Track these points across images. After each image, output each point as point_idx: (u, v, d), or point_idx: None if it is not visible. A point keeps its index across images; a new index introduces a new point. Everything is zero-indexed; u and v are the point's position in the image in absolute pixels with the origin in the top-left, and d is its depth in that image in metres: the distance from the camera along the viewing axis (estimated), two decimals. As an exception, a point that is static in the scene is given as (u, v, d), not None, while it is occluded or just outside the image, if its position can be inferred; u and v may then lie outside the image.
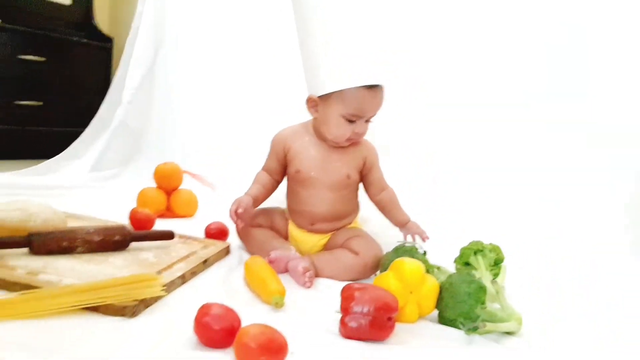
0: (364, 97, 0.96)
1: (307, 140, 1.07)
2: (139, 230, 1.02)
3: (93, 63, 2.41)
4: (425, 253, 0.98)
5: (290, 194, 1.11)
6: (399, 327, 0.78)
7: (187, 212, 1.40)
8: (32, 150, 2.15)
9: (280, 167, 1.10)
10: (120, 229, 0.97)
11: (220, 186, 1.52)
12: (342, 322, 0.74)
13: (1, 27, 2.08)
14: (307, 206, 1.07)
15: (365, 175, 1.08)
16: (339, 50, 0.95)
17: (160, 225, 1.26)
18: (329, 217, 1.07)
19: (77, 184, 1.65)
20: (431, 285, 0.83)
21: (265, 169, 1.12)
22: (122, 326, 0.71)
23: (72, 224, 1.09)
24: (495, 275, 1.02)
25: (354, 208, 1.12)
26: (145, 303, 0.77)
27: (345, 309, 0.75)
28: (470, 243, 1.07)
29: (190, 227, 1.22)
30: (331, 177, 1.05)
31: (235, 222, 1.02)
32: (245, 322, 0.71)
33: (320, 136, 1.06)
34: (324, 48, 0.96)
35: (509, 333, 0.81)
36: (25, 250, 0.89)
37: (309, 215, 1.07)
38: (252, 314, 0.78)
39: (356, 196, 1.12)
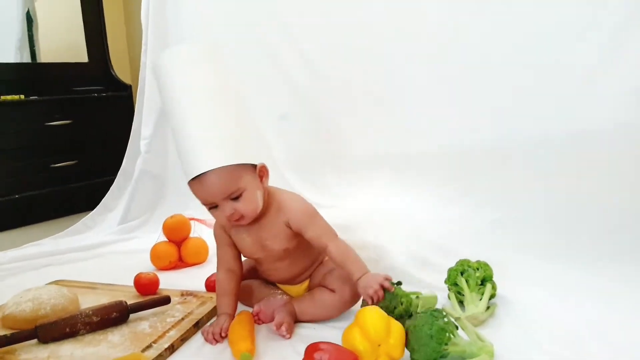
0: (193, 188, 0.95)
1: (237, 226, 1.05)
2: (137, 302, 1.09)
3: (116, 113, 2.54)
4: (399, 283, 0.98)
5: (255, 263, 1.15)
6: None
7: (198, 259, 1.48)
8: (75, 205, 2.32)
9: (235, 250, 1.09)
10: (117, 306, 1.05)
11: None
12: (302, 384, 0.78)
13: (26, 101, 2.24)
14: (268, 276, 1.13)
15: (302, 234, 1.03)
16: (178, 145, 0.96)
17: (172, 277, 1.36)
18: (293, 278, 1.10)
19: (107, 241, 1.78)
20: (397, 334, 0.84)
21: (222, 268, 1.08)
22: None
23: (85, 296, 1.20)
24: (482, 293, 1.02)
25: (318, 253, 1.11)
26: (130, 385, 0.84)
27: (305, 371, 0.78)
28: (457, 263, 1.08)
29: (200, 276, 1.30)
30: (272, 254, 1.05)
31: (211, 342, 0.99)
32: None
33: None
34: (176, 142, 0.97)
35: (482, 366, 0.81)
36: (34, 340, 1.00)
37: (275, 279, 1.13)
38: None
39: (309, 246, 1.06)
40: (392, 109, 1.49)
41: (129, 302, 1.08)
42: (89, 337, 1.01)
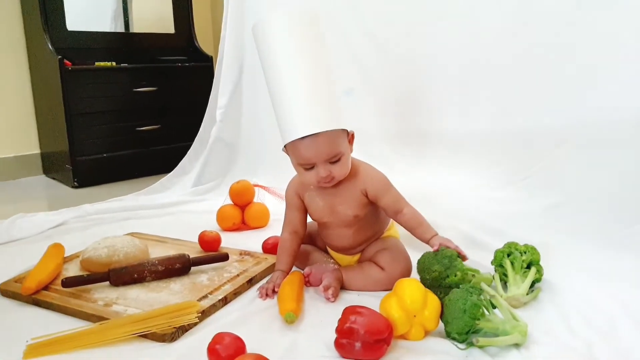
0: (301, 147, 1.00)
1: (312, 188, 1.12)
2: (198, 256, 1.19)
3: (198, 82, 2.68)
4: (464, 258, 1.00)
5: (318, 227, 1.20)
6: (405, 344, 0.85)
7: (260, 223, 1.56)
8: (155, 167, 2.49)
9: (303, 215, 1.16)
10: (180, 258, 1.15)
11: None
12: (336, 342, 0.83)
13: (117, 68, 2.43)
14: (331, 241, 1.17)
15: (377, 203, 1.09)
16: (282, 106, 1.01)
17: (235, 237, 1.45)
18: (352, 247, 1.14)
19: (181, 201, 1.91)
20: (433, 307, 0.86)
21: (288, 229, 1.16)
22: (161, 351, 0.88)
23: (155, 247, 1.32)
24: (526, 276, 1.02)
25: (379, 227, 1.15)
26: (184, 329, 0.93)
27: (340, 331, 0.83)
28: (505, 245, 1.08)
29: (260, 238, 1.38)
30: (341, 219, 1.10)
31: (263, 297, 1.06)
32: (257, 346, 0.84)
33: None
34: (276, 103, 1.02)
35: (516, 345, 0.82)
36: (107, 282, 1.12)
37: (334, 246, 1.17)
38: (268, 334, 0.91)
39: (378, 217, 1.14)
40: (452, 88, 1.48)
41: (191, 256, 1.17)
42: (154, 284, 1.12)
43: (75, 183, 2.34)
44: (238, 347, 0.82)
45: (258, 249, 1.32)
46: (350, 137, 1.06)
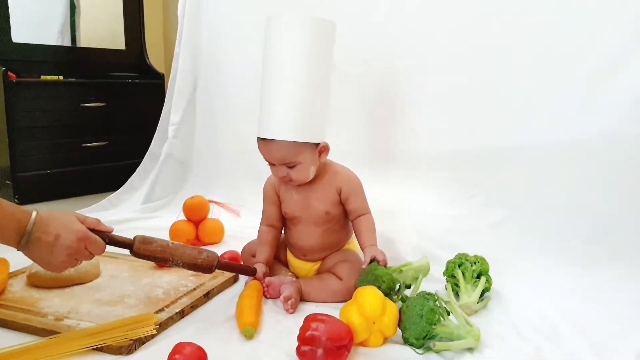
0: (260, 145, 1.09)
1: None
2: (226, 262, 1.11)
3: (148, 99, 2.64)
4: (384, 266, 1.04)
5: (285, 229, 1.23)
6: (365, 351, 0.87)
7: (214, 239, 1.56)
8: (101, 184, 2.42)
9: (279, 209, 1.20)
10: (205, 268, 1.03)
11: (244, 212, 1.65)
12: (298, 350, 0.84)
13: (64, 82, 2.36)
14: (297, 240, 1.19)
15: (344, 204, 1.15)
16: (262, 100, 1.07)
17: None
18: (317, 249, 1.17)
19: (131, 217, 1.87)
20: (392, 314, 0.89)
21: (265, 222, 1.22)
22: (118, 364, 0.86)
23: (107, 264, 1.28)
24: (476, 285, 1.06)
25: (344, 235, 1.20)
26: (141, 341, 0.91)
27: (302, 338, 0.84)
28: (456, 256, 1.13)
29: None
30: (313, 215, 1.14)
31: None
32: (218, 356, 0.83)
33: None
34: (261, 95, 1.08)
35: (469, 349, 0.86)
36: (57, 294, 1.08)
37: (300, 247, 1.19)
38: (228, 346, 0.91)
39: (344, 224, 1.19)
40: (404, 110, 1.55)
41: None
42: (107, 298, 1.08)
43: (16, 200, 2.23)
44: (199, 357, 0.81)
45: (213, 264, 1.31)
46: (321, 148, 1.10)
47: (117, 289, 1.14)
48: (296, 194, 1.16)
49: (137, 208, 1.99)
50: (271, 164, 1.10)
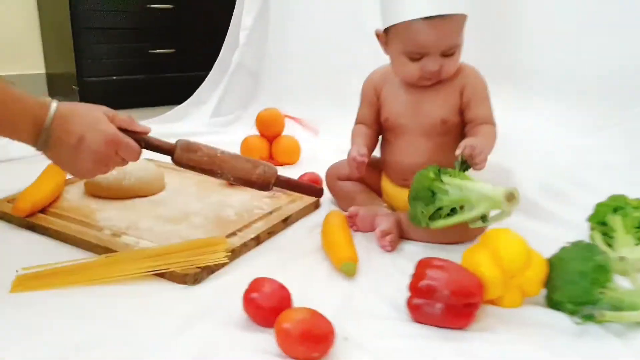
0: (419, 31, 0.82)
1: (397, 82, 0.93)
2: (287, 178, 0.91)
3: (220, 5, 2.42)
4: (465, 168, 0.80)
5: (383, 143, 0.99)
6: (496, 311, 0.66)
7: (289, 159, 1.36)
8: (167, 96, 2.27)
9: (376, 115, 0.98)
10: (261, 186, 0.86)
11: (323, 131, 1.44)
12: (409, 304, 0.64)
13: (129, -21, 2.17)
14: (399, 157, 0.94)
15: (464, 110, 0.89)
16: None
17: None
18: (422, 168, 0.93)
19: (198, 132, 1.70)
20: (538, 267, 0.66)
21: (359, 121, 1.00)
22: (182, 295, 0.70)
23: (173, 178, 1.12)
24: (638, 237, 0.81)
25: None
26: (209, 270, 0.74)
27: (413, 288, 0.64)
28: (609, 198, 0.87)
29: (290, 176, 1.18)
30: (423, 123, 0.90)
31: (355, 169, 0.90)
32: (302, 298, 0.65)
33: None
34: None
35: (640, 324, 0.63)
36: (116, 206, 0.93)
37: (401, 167, 0.94)
38: (314, 285, 0.73)
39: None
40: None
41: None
42: (169, 215, 0.92)
43: (81, 106, 2.12)
44: (282, 298, 0.63)
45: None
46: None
47: (182, 205, 0.97)
48: (406, 95, 0.92)
49: (204, 122, 1.82)
50: (416, 59, 0.85)
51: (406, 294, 0.65)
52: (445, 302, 0.62)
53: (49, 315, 0.64)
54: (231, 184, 1.04)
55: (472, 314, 0.63)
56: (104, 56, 2.15)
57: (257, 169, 0.85)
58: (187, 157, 0.82)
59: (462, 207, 0.75)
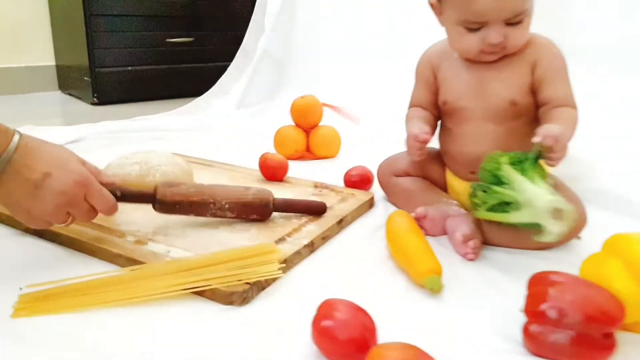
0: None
1: (457, 59, 0.79)
2: (284, 199, 0.80)
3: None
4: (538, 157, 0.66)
5: (442, 132, 0.85)
6: (630, 338, 0.51)
7: (328, 152, 1.22)
8: (186, 87, 2.15)
9: (433, 97, 0.84)
10: (260, 207, 0.76)
11: (365, 120, 1.29)
12: (526, 332, 0.50)
13: (146, -35, 2.04)
14: (463, 147, 0.79)
15: (537, 90, 0.75)
16: None
17: (301, 168, 1.11)
18: None
19: (223, 124, 1.57)
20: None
21: (414, 103, 0.86)
22: (227, 318, 0.56)
23: (201, 172, 0.99)
24: None
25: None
26: (260, 286, 0.60)
27: (531, 312, 0.50)
28: None
29: (331, 170, 1.06)
30: (488, 105, 0.76)
31: (417, 150, 0.78)
32: (385, 324, 0.51)
33: None
34: None
35: None
36: (139, 207, 0.78)
37: (466, 158, 0.79)
38: (395, 307, 0.58)
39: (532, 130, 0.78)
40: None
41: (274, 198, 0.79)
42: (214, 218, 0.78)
43: (95, 99, 2.00)
44: (365, 328, 0.49)
45: (335, 182, 0.97)
46: None
47: (217, 206, 0.83)
48: (467, 73, 0.78)
49: (230, 113, 1.68)
50: (474, 29, 0.72)
51: (505, 314, 0.51)
52: (577, 330, 0.47)
53: (58, 347, 0.50)
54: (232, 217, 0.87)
55: (612, 345, 0.48)
56: (118, 45, 2.03)
57: (250, 190, 0.77)
58: (171, 191, 0.73)
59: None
